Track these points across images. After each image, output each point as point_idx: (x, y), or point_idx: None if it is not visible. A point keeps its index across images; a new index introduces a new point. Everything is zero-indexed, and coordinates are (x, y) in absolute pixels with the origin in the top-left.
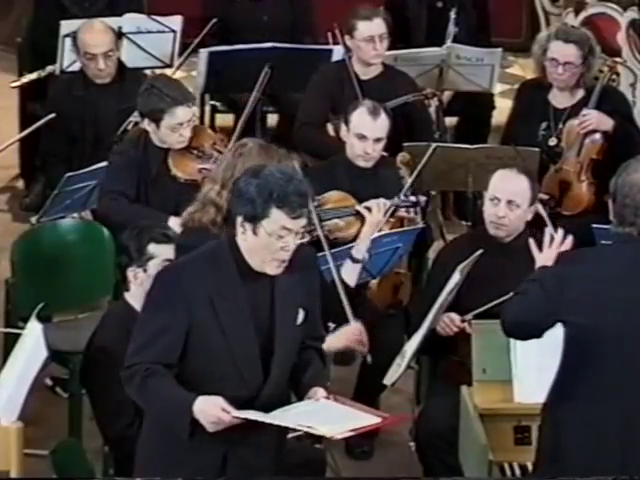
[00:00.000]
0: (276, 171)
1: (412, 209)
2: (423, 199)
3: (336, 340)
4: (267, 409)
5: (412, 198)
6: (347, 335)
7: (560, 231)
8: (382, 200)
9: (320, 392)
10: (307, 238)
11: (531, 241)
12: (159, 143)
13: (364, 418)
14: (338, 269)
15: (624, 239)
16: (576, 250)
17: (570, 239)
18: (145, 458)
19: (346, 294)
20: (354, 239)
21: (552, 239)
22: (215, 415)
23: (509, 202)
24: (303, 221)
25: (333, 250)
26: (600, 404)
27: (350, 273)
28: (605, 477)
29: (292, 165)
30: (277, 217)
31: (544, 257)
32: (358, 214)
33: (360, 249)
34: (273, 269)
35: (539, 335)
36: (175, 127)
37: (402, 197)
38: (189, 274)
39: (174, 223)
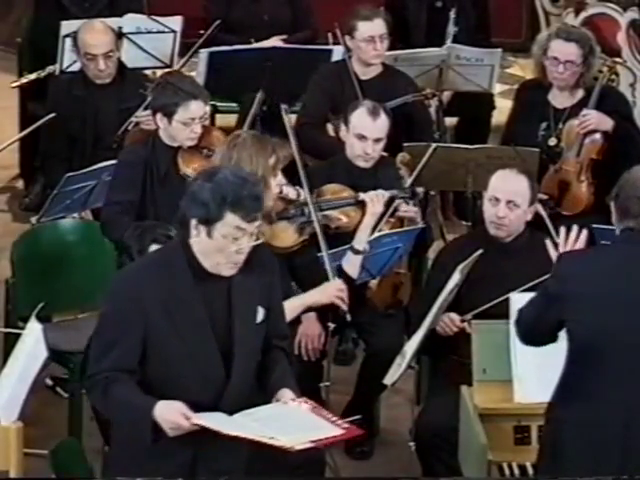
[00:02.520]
0: (230, 174)
1: (410, 200)
2: (421, 190)
3: (320, 295)
4: (232, 411)
5: (410, 189)
6: (330, 290)
7: (575, 227)
8: (381, 191)
9: (288, 394)
10: (308, 229)
11: (548, 242)
12: (168, 141)
13: (326, 429)
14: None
15: (626, 238)
16: (578, 250)
17: (585, 234)
18: (116, 463)
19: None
20: (355, 229)
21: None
22: (174, 421)
23: (509, 202)
24: (257, 223)
25: (332, 250)
26: (600, 404)
27: (352, 265)
28: (605, 477)
29: (288, 153)
30: (231, 220)
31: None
32: (358, 204)
33: (361, 240)
34: (227, 271)
35: (554, 339)
36: (187, 122)
37: (401, 188)
38: (142, 280)
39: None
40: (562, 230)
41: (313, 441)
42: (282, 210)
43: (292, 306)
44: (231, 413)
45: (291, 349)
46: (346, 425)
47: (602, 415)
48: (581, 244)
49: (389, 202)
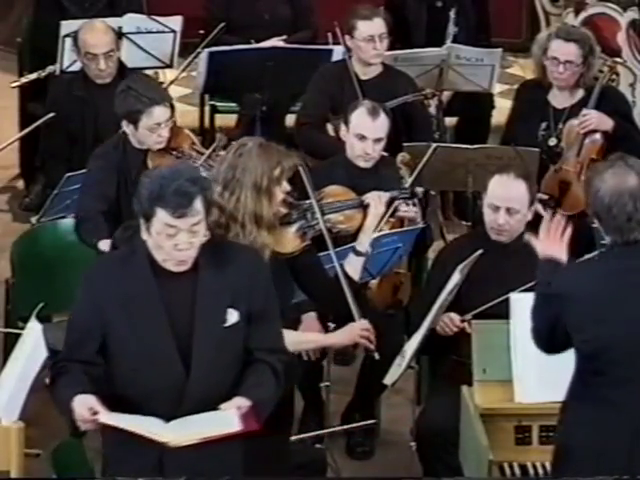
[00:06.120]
0: (166, 170)
1: (410, 200)
2: (420, 190)
3: (342, 336)
4: (195, 413)
5: (409, 189)
6: (354, 331)
7: (558, 216)
8: (382, 192)
9: (234, 403)
10: (310, 233)
11: (531, 238)
12: (138, 145)
13: (224, 426)
14: (342, 267)
15: (618, 254)
16: (578, 262)
17: (569, 231)
18: (103, 456)
19: (351, 290)
20: (357, 232)
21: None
22: (80, 414)
23: (508, 209)
24: (191, 220)
25: (337, 249)
26: (608, 408)
27: (354, 267)
28: (606, 477)
29: (294, 163)
30: (161, 216)
31: (545, 246)
32: (359, 207)
33: (363, 242)
34: (175, 267)
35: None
36: (153, 127)
37: (400, 189)
38: (102, 274)
39: (104, 245)
40: (546, 215)
41: (202, 437)
42: (284, 215)
43: (306, 339)
44: (196, 414)
45: (284, 366)
46: (247, 422)
47: (610, 420)
48: (563, 238)
49: (389, 202)
